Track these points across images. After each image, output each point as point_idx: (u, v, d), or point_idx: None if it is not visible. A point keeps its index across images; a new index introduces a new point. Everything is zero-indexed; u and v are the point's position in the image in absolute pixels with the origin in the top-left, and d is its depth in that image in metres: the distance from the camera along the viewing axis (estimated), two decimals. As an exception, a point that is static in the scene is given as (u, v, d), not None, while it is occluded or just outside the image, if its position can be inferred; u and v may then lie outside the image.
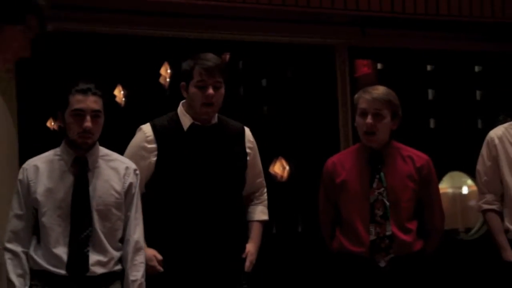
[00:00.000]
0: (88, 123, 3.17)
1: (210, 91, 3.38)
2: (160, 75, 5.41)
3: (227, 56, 5.48)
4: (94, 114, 3.19)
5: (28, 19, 2.26)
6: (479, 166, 3.92)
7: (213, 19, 5.10)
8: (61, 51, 5.10)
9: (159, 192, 3.44)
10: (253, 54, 5.62)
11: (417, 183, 3.70)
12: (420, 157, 3.76)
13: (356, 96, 3.73)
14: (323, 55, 5.61)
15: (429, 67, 6.13)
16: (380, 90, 3.65)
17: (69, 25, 4.93)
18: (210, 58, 3.43)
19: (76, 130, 3.19)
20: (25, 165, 3.28)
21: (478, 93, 6.21)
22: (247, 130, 3.58)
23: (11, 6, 2.24)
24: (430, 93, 6.13)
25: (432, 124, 6.14)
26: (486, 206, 3.87)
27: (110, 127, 3.36)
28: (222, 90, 3.44)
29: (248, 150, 3.54)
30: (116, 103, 5.36)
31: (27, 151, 4.55)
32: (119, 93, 5.41)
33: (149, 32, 5.14)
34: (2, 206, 4.00)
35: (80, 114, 3.18)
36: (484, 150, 3.90)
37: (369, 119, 3.60)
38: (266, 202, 3.66)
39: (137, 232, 3.28)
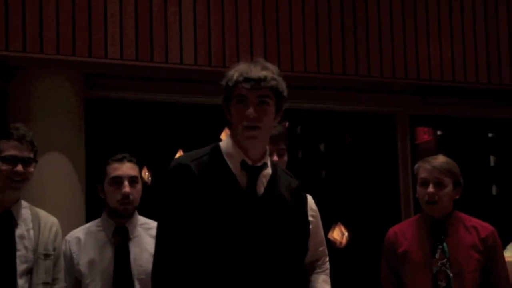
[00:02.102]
0: (126, 189, 3.23)
1: (275, 158, 3.40)
2: (220, 140, 5.51)
3: (287, 124, 5.56)
4: (131, 180, 3.26)
5: None
6: None
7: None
8: (127, 117, 5.26)
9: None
10: (311, 121, 5.69)
11: (482, 254, 3.64)
12: (484, 227, 3.71)
13: (416, 166, 3.73)
14: (383, 122, 5.64)
15: (490, 134, 6.10)
16: (440, 160, 3.64)
17: (136, 94, 5.12)
18: (274, 127, 3.48)
19: (116, 197, 3.25)
20: (67, 237, 3.34)
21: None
22: (309, 198, 3.59)
23: None
24: (492, 160, 6.07)
25: (494, 190, 6.06)
26: None
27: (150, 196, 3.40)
28: (285, 157, 3.44)
29: (311, 218, 3.54)
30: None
31: (94, 214, 4.69)
32: (144, 175, 5.51)
33: (211, 101, 5.27)
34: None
35: (118, 182, 3.25)
36: None
37: (430, 188, 3.58)
38: (328, 271, 3.64)
39: None
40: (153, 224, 3.39)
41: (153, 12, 4.94)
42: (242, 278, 2.45)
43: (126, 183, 3.24)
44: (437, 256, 3.60)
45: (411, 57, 5.37)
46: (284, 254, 2.66)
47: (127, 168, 3.27)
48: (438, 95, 5.52)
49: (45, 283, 3.02)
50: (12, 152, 2.99)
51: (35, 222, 3.08)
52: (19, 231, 3.02)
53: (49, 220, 3.15)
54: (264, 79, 2.44)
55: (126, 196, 3.24)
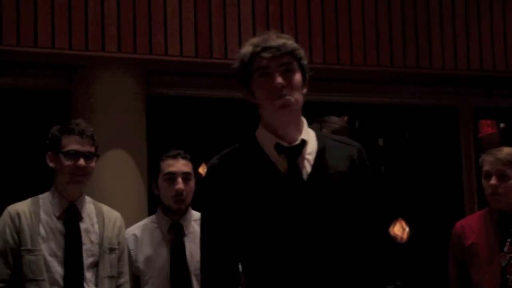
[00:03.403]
0: (180, 185, 3.25)
1: None
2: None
3: (345, 118, 5.53)
4: (185, 176, 3.28)
5: None
6: None
7: (334, 81, 5.17)
8: (188, 114, 5.31)
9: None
10: (371, 115, 5.64)
11: (553, 248, 3.56)
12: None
13: (480, 159, 3.71)
14: (446, 116, 5.56)
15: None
16: (504, 151, 3.60)
17: (197, 90, 5.15)
18: (336, 121, 3.46)
19: (170, 194, 3.27)
20: (125, 235, 3.34)
21: None
22: None
23: None
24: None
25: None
26: None
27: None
28: None
29: None
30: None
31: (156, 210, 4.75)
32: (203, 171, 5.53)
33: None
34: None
35: (171, 178, 3.27)
36: None
37: (493, 181, 3.55)
38: None
39: None
40: None
41: (212, 8, 4.96)
42: (294, 274, 2.18)
43: (179, 179, 3.26)
44: (505, 249, 3.54)
45: (474, 47, 5.27)
46: (346, 239, 2.27)
47: (181, 165, 3.29)
48: (502, 87, 5.40)
49: (111, 277, 3.06)
50: (74, 147, 3.03)
51: (99, 217, 3.12)
52: (84, 225, 3.06)
53: (112, 215, 3.19)
54: (284, 45, 2.20)
55: (179, 193, 3.26)
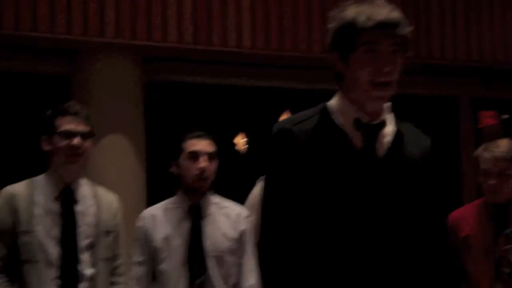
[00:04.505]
0: (203, 164, 3.27)
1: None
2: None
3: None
4: (209, 155, 3.29)
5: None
6: None
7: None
8: (186, 101, 5.30)
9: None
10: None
11: (547, 239, 3.54)
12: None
13: (476, 153, 3.56)
14: (445, 106, 5.55)
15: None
16: (501, 148, 3.44)
17: (194, 77, 5.15)
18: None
19: (192, 173, 3.29)
20: (142, 214, 3.40)
21: None
22: None
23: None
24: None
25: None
26: None
27: (230, 175, 3.42)
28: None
29: None
30: (237, 151, 5.49)
31: (155, 195, 4.75)
32: (240, 141, 5.54)
33: (269, 84, 5.29)
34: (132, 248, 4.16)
35: (195, 157, 3.29)
36: None
37: (492, 181, 3.43)
38: None
39: (251, 279, 3.30)
40: (227, 203, 3.44)
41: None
42: (360, 254, 2.06)
43: (203, 158, 3.28)
44: (500, 241, 3.52)
45: (474, 39, 5.25)
46: (412, 228, 2.15)
47: (205, 144, 3.31)
48: (502, 78, 5.38)
49: (107, 259, 3.07)
50: (69, 126, 3.01)
51: (95, 199, 3.12)
52: (80, 207, 3.06)
53: (109, 197, 3.19)
54: (399, 24, 2.00)
55: (202, 171, 3.27)
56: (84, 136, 3.04)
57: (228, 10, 4.96)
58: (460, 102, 5.50)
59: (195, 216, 3.32)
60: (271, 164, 2.10)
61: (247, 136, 5.55)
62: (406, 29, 2.01)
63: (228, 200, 3.47)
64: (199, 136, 3.33)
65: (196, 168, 3.27)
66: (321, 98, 2.16)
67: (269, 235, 2.09)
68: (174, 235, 3.29)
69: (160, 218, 3.34)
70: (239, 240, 3.33)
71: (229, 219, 3.36)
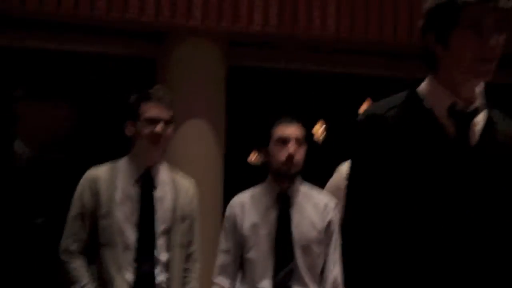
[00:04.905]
0: (292, 149, 3.22)
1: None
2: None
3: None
4: (298, 140, 3.25)
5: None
6: None
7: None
8: (268, 87, 5.32)
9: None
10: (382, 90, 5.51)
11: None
12: None
13: None
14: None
15: None
16: None
17: (274, 63, 5.15)
18: None
19: (281, 158, 3.25)
20: (232, 202, 3.38)
21: None
22: None
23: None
24: None
25: None
26: None
27: (309, 163, 3.40)
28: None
29: None
30: (315, 140, 5.48)
31: (232, 180, 4.80)
32: (319, 130, 5.52)
33: (353, 70, 5.24)
34: (207, 233, 4.23)
35: (284, 141, 3.25)
36: None
37: None
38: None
39: (335, 269, 3.26)
40: (315, 192, 3.39)
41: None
42: (451, 246, 1.96)
43: (292, 143, 3.24)
44: None
45: None
46: (504, 220, 2.04)
47: (294, 129, 3.27)
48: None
49: (182, 245, 3.10)
50: (152, 113, 3.06)
51: (173, 185, 3.15)
52: (158, 193, 3.10)
53: (186, 183, 3.22)
54: None
55: (291, 157, 3.23)
56: (167, 122, 3.08)
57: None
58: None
59: (283, 204, 3.29)
60: (359, 150, 2.03)
61: (327, 123, 5.53)
62: (509, 3, 1.92)
63: (317, 189, 3.44)
64: (288, 121, 3.29)
65: (284, 153, 3.24)
66: (403, 87, 2.09)
67: (354, 225, 2.03)
68: (262, 223, 3.27)
69: (248, 206, 3.32)
70: (326, 230, 3.29)
71: (317, 208, 3.32)
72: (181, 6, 4.80)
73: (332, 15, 4.93)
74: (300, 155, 3.27)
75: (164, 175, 3.16)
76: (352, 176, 2.07)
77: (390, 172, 1.97)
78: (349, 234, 2.06)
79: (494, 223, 2.00)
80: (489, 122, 2.04)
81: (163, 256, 3.04)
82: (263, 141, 3.34)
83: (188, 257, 3.15)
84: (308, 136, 3.41)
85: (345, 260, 2.06)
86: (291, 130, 3.26)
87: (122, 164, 3.14)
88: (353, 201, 2.06)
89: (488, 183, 2.00)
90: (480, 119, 2.03)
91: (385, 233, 2.00)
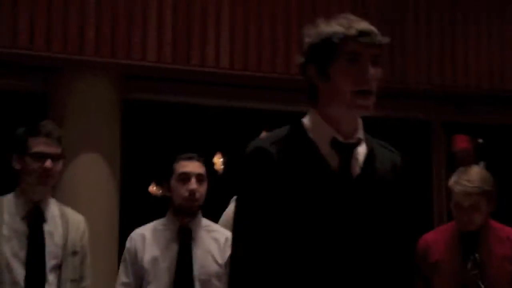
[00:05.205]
0: (194, 185, 3.27)
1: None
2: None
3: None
4: (199, 178, 3.30)
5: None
6: None
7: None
8: (164, 120, 5.31)
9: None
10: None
11: (517, 266, 3.57)
12: (518, 238, 3.63)
13: (450, 183, 3.58)
14: (418, 130, 5.59)
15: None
16: (473, 181, 3.47)
17: (169, 97, 5.17)
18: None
19: (182, 194, 3.29)
20: (132, 234, 3.38)
21: None
22: None
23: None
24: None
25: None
26: None
27: (208, 194, 3.43)
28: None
29: None
30: (215, 170, 5.51)
31: (128, 215, 4.74)
32: (218, 161, 5.55)
33: (248, 105, 5.32)
34: (101, 269, 4.14)
35: (185, 178, 3.29)
36: None
37: (464, 214, 3.47)
38: None
39: None
40: (216, 227, 3.45)
41: (190, 15, 4.97)
42: (336, 274, 2.03)
43: (193, 180, 3.28)
44: (468, 267, 3.55)
45: (448, 64, 5.32)
46: (387, 246, 2.14)
47: (195, 166, 3.32)
48: (474, 103, 5.45)
49: (73, 280, 3.07)
50: (41, 148, 3.02)
51: (63, 220, 3.12)
52: (48, 227, 3.06)
53: (76, 218, 3.19)
54: (378, 33, 2.04)
55: (192, 192, 3.27)
56: (56, 158, 3.05)
57: (208, 31, 4.99)
58: (433, 127, 5.56)
59: (184, 239, 3.32)
60: (245, 182, 2.07)
61: (224, 156, 5.57)
62: (385, 39, 2.06)
63: (217, 225, 3.49)
64: (189, 158, 3.34)
65: (186, 189, 3.28)
66: (298, 119, 2.16)
67: (240, 255, 2.05)
68: (162, 257, 3.28)
69: (149, 239, 3.33)
70: (226, 265, 3.30)
71: (217, 243, 3.36)
72: (72, 39, 4.75)
73: (226, 49, 5.00)
74: (202, 191, 3.32)
75: (53, 210, 3.13)
76: (239, 207, 2.10)
77: (275, 204, 2.02)
78: (235, 266, 2.07)
79: (374, 251, 2.09)
80: (369, 153, 2.12)
81: None
82: (163, 174, 3.37)
83: None
84: (209, 168, 3.46)
85: None
86: (192, 167, 3.31)
87: (9, 199, 3.09)
88: (239, 233, 2.08)
89: (369, 213, 2.08)
90: (361, 151, 2.11)
91: (272, 262, 2.03)
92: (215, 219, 3.63)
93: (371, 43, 2.03)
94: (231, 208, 3.62)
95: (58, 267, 3.03)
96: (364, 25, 2.04)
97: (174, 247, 3.30)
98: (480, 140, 5.88)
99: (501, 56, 5.39)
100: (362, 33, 2.02)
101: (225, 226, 3.52)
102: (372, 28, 2.05)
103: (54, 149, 3.05)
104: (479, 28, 5.43)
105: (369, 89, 2.02)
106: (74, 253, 3.10)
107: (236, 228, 2.09)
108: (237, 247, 2.07)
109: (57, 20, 4.73)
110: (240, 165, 2.09)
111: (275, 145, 2.05)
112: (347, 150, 2.08)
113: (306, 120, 2.13)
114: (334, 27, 2.04)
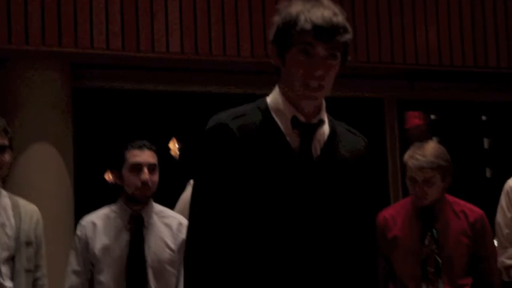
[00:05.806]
0: (146, 176, 3.24)
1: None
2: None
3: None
4: (151, 167, 3.27)
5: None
6: (499, 218, 3.81)
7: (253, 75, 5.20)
8: (115, 107, 5.26)
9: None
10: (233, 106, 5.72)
11: (471, 239, 3.61)
12: (473, 211, 3.67)
13: (405, 158, 3.61)
14: (371, 108, 5.64)
15: (483, 117, 6.11)
16: (428, 156, 3.50)
17: (123, 83, 5.10)
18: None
19: (135, 184, 3.26)
20: (82, 222, 3.34)
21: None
22: None
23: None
24: (486, 143, 6.08)
25: (488, 173, 6.06)
26: (509, 262, 3.76)
27: (164, 180, 3.40)
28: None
29: None
30: (171, 156, 5.48)
31: (82, 204, 4.69)
32: (173, 146, 5.52)
33: (200, 89, 5.29)
34: (57, 258, 4.10)
35: (137, 168, 3.25)
36: (503, 201, 3.79)
37: (419, 188, 3.50)
38: None
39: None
40: (168, 212, 3.42)
41: (138, 1, 4.92)
42: (294, 256, 2.02)
43: (146, 170, 3.25)
44: (426, 242, 3.59)
45: (398, 42, 5.37)
46: (344, 227, 2.12)
47: (147, 156, 3.28)
48: (425, 80, 5.52)
49: (28, 270, 3.04)
50: None
51: (15, 211, 3.08)
52: None
53: (29, 208, 3.15)
54: (338, 30, 1.98)
55: (145, 183, 3.24)
56: (3, 149, 3.00)
57: (157, 15, 4.94)
58: (386, 104, 5.60)
59: (137, 226, 3.29)
60: (204, 159, 2.03)
61: (179, 141, 5.54)
62: (345, 36, 2.00)
63: (170, 210, 3.46)
64: (141, 147, 3.29)
65: (138, 179, 3.25)
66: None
67: (197, 237, 2.02)
68: (114, 245, 3.26)
69: (100, 227, 3.30)
70: (180, 250, 3.30)
71: (170, 228, 3.33)
72: (18, 29, 4.65)
73: (176, 32, 4.96)
74: (154, 179, 3.29)
75: (4, 201, 3.09)
76: (197, 185, 2.06)
77: (235, 183, 1.98)
78: (192, 247, 2.03)
79: (333, 231, 2.07)
80: (331, 135, 2.09)
81: (8, 283, 2.97)
82: (115, 163, 3.32)
83: (35, 282, 3.10)
84: (164, 153, 3.43)
85: (188, 279, 2.01)
86: (144, 157, 3.27)
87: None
88: (197, 214, 2.03)
89: (327, 194, 2.05)
90: (323, 132, 2.08)
91: (230, 243, 2.00)
92: (171, 205, 3.61)
93: (325, 39, 1.97)
94: (187, 193, 3.60)
95: (11, 259, 3.00)
96: (327, 17, 1.97)
97: (126, 235, 3.28)
98: (433, 116, 5.95)
99: (448, 32, 5.46)
100: (318, 28, 1.96)
101: (181, 210, 3.50)
102: (335, 22, 1.98)
103: (0, 140, 2.98)
104: (426, 4, 5.48)
105: (317, 85, 1.99)
106: (28, 243, 3.06)
107: (194, 204, 2.04)
108: (194, 224, 2.03)
109: (1, 11, 4.64)
110: (200, 139, 2.03)
111: (236, 120, 2.01)
112: (308, 131, 2.06)
113: (270, 97, 2.10)
114: (297, 12, 1.99)
